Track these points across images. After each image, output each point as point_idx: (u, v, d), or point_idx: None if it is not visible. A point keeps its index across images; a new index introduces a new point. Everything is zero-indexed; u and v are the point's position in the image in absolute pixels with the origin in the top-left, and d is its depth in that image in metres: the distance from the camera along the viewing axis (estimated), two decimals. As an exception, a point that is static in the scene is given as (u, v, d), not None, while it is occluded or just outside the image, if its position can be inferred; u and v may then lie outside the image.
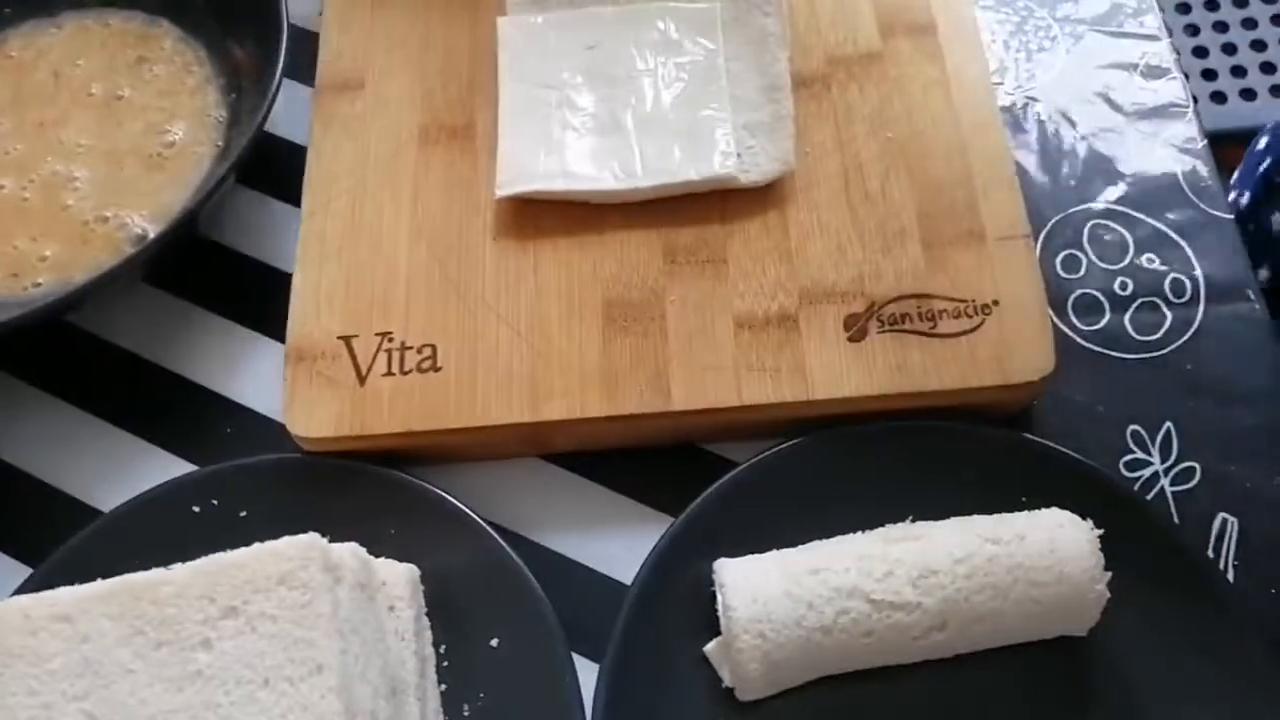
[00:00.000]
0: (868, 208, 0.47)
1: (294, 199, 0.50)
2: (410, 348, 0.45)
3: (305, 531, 0.38)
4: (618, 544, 0.44)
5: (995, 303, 0.44)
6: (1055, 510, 0.40)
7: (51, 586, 0.37)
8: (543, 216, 0.47)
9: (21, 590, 0.41)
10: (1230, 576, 0.43)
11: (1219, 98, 0.99)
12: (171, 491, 0.44)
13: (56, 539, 0.43)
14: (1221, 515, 0.44)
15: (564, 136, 0.48)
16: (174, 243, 0.46)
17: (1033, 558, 0.39)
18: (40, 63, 0.54)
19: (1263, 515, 0.44)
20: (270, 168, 0.52)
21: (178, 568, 0.36)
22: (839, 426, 0.44)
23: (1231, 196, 0.66)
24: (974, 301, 0.44)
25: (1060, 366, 0.45)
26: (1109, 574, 0.39)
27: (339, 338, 0.45)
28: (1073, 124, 0.53)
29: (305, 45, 0.53)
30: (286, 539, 0.36)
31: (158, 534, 0.43)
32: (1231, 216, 0.50)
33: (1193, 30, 1.02)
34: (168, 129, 0.52)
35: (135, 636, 0.35)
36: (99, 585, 0.36)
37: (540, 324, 0.45)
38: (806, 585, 0.38)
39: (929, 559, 0.39)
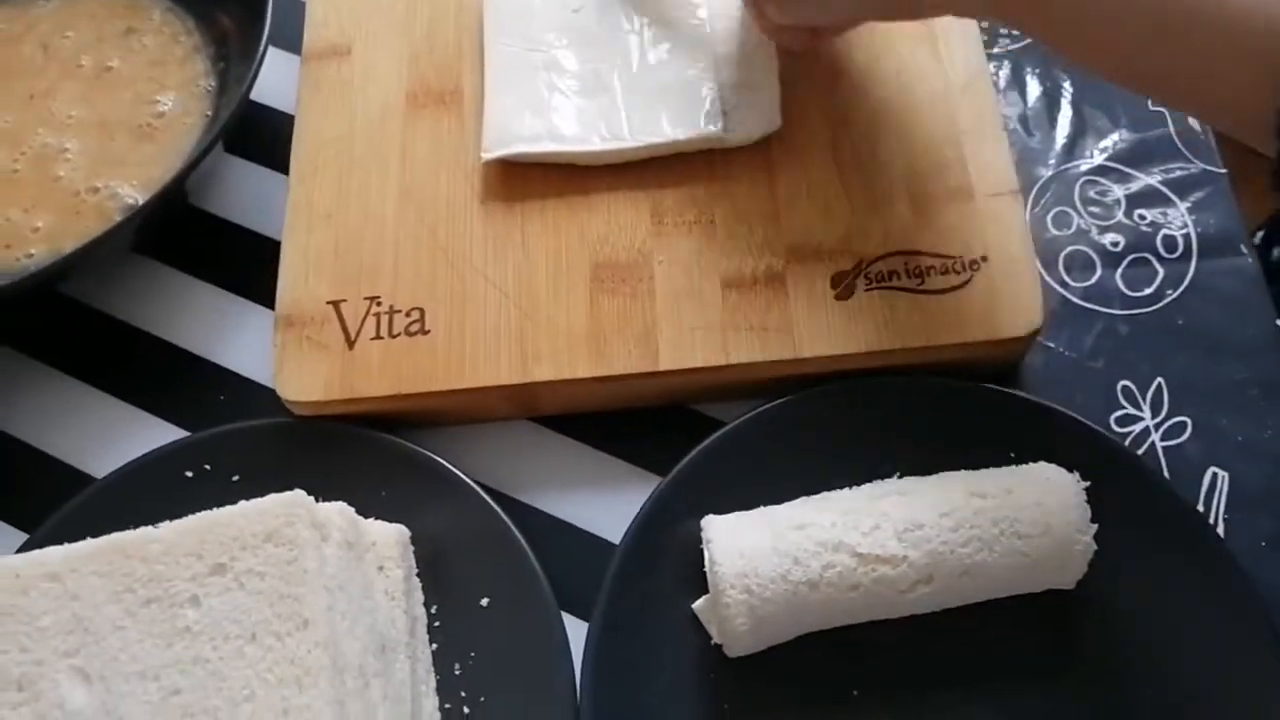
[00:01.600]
0: (855, 166, 0.46)
1: (283, 167, 0.50)
2: (399, 311, 0.45)
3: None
4: (607, 504, 0.44)
5: (984, 258, 0.44)
6: (1042, 464, 0.40)
7: (45, 551, 0.38)
8: (530, 179, 0.47)
9: (17, 556, 0.42)
10: (1221, 530, 0.43)
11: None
12: (164, 457, 0.44)
13: (51, 506, 0.43)
14: (1212, 469, 0.44)
15: (550, 98, 0.47)
16: (163, 211, 0.47)
17: (1019, 510, 0.39)
18: (29, 35, 0.54)
19: (1253, 468, 0.44)
20: (259, 136, 0.53)
21: (166, 526, 0.37)
22: (825, 384, 0.43)
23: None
24: (962, 258, 0.44)
25: (1052, 323, 0.45)
26: (1095, 526, 0.39)
27: (328, 302, 0.45)
28: (1064, 80, 0.52)
29: (292, 13, 0.53)
30: (273, 496, 0.36)
31: (151, 499, 0.43)
32: (1224, 171, 0.50)
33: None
34: (157, 99, 0.52)
35: (124, 594, 0.35)
36: (88, 544, 0.36)
37: (528, 286, 0.45)
38: (792, 540, 0.39)
39: (915, 513, 0.39)
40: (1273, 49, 0.32)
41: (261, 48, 0.48)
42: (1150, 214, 0.49)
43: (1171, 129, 0.51)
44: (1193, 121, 0.51)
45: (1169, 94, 0.38)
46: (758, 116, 0.47)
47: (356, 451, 0.44)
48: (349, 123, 0.49)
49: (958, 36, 0.49)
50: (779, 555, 0.38)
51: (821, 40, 0.48)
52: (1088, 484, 0.39)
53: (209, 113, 0.52)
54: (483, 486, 0.43)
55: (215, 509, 0.37)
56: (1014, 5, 0.37)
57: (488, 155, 0.46)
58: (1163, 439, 0.45)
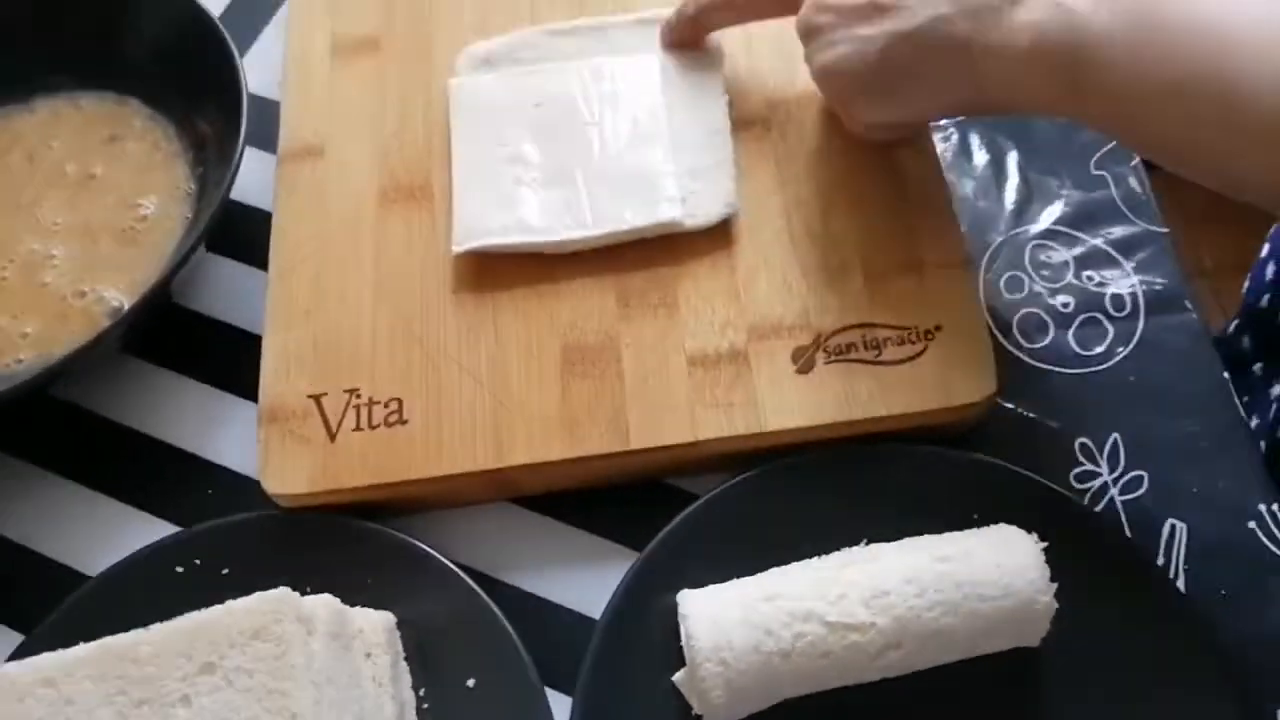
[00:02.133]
0: (809, 243, 0.48)
1: (262, 263, 0.52)
2: (377, 402, 0.46)
3: (285, 586, 0.40)
4: (586, 580, 0.45)
5: (937, 328, 0.46)
6: (1002, 526, 0.42)
7: (42, 651, 0.39)
8: (499, 269, 0.49)
9: (14, 657, 0.43)
10: (1181, 581, 0.44)
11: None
12: (155, 554, 0.46)
13: (47, 605, 0.45)
14: (1170, 521, 0.45)
15: (516, 191, 0.50)
16: (148, 313, 0.48)
17: (979, 572, 0.40)
18: (15, 146, 0.57)
19: (1210, 518, 0.45)
20: (239, 234, 0.54)
21: (156, 628, 0.38)
22: (793, 455, 0.45)
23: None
24: (916, 328, 0.46)
25: (1007, 385, 0.46)
26: (1055, 585, 0.40)
27: (309, 396, 0.47)
28: (1010, 148, 0.55)
29: (268, 113, 0.56)
30: (259, 594, 0.38)
31: (143, 596, 0.44)
32: (1166, 230, 0.52)
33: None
34: (140, 204, 0.54)
35: (117, 696, 0.37)
36: (81, 649, 0.38)
37: (501, 373, 0.47)
38: (764, 612, 0.40)
39: (881, 580, 0.40)
40: None
41: (238, 153, 0.50)
42: (1098, 275, 0.51)
43: (1114, 191, 0.53)
44: (1134, 183, 0.53)
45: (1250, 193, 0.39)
46: (715, 200, 0.49)
47: (341, 541, 0.45)
48: (324, 220, 0.51)
49: (903, 114, 0.51)
50: (751, 627, 0.40)
51: (905, 133, 0.50)
52: (1046, 544, 0.41)
53: (189, 215, 0.54)
54: (464, 569, 0.44)
55: (204, 609, 0.38)
56: (1095, 108, 0.40)
57: (458, 248, 0.48)
58: (1121, 493, 0.46)
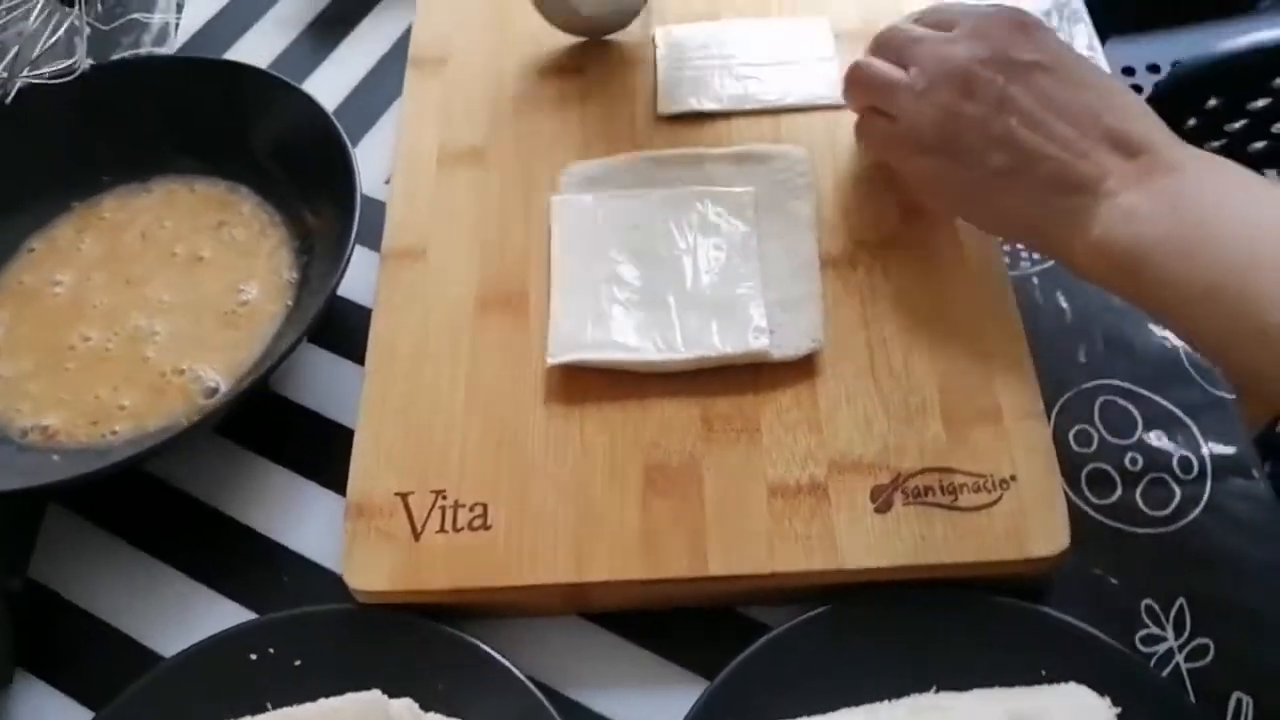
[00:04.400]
0: (891, 383, 0.50)
1: (354, 355, 0.54)
2: (463, 506, 0.48)
3: (356, 683, 0.40)
4: (653, 703, 0.45)
5: (1013, 478, 0.47)
6: (1075, 685, 0.42)
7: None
8: (590, 383, 0.50)
9: (84, 734, 0.43)
10: (1246, 754, 0.44)
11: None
12: (230, 639, 0.46)
13: (117, 682, 0.45)
14: (1237, 694, 0.46)
15: (610, 309, 0.51)
16: (245, 401, 0.50)
17: (1053, 733, 0.40)
18: (131, 224, 0.59)
19: (1277, 693, 0.45)
20: (335, 326, 0.56)
21: (246, 722, 0.39)
22: (866, 592, 0.46)
23: None
24: (992, 476, 0.47)
25: (1076, 540, 0.47)
26: (1127, 752, 0.40)
27: (396, 494, 0.48)
28: (1083, 303, 0.56)
29: (369, 210, 0.58)
30: (351, 696, 0.39)
31: (216, 680, 0.45)
32: (1233, 395, 0.53)
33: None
34: (242, 288, 0.57)
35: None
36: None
37: (585, 487, 0.48)
38: (836, 754, 0.40)
39: (954, 731, 0.40)
40: None
41: (349, 249, 0.53)
42: (1166, 435, 0.52)
43: (1183, 355, 0.55)
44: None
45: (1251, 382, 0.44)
46: (801, 333, 0.51)
47: (416, 642, 0.46)
48: (423, 321, 0.53)
49: (984, 261, 0.53)
50: (822, 768, 0.40)
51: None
52: (1119, 709, 0.41)
53: (289, 303, 0.56)
54: (535, 681, 0.45)
55: (295, 706, 0.39)
56: (1147, 302, 0.45)
57: (553, 360, 0.50)
58: (1186, 660, 0.46)
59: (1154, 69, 1.12)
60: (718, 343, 0.50)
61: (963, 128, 0.48)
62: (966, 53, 0.48)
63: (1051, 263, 0.58)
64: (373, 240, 0.57)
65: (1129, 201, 0.44)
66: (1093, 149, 0.46)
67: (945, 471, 0.48)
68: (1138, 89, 1.12)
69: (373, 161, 0.61)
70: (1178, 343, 0.55)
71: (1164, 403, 0.53)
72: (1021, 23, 0.49)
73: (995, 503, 0.47)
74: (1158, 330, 0.56)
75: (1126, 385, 0.54)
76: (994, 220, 0.51)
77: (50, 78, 0.60)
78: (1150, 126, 0.46)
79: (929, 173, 0.50)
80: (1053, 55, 0.48)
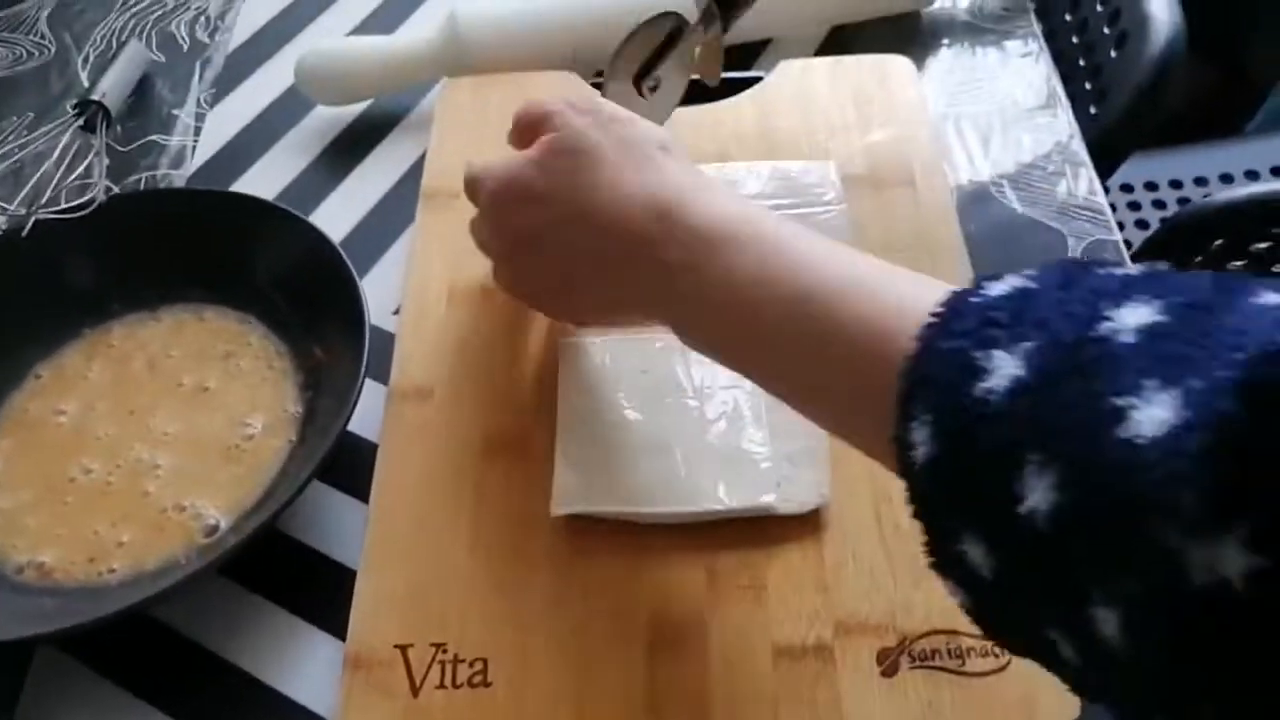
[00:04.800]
0: (897, 540, 0.50)
1: (359, 492, 0.54)
2: (463, 660, 0.47)
3: None
4: None
5: (1021, 642, 0.47)
6: None
7: None
8: (594, 533, 0.50)
9: None
10: None
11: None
12: (220, 794, 0.45)
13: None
14: None
15: (616, 458, 0.51)
16: (250, 545, 0.49)
17: None
18: (138, 353, 0.59)
19: None
20: (339, 461, 0.56)
21: None
22: (872, 761, 0.45)
23: None
24: (1000, 640, 0.47)
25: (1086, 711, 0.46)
26: None
27: (395, 646, 0.47)
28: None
29: (376, 341, 0.58)
30: None
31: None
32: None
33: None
34: (247, 422, 0.57)
35: None
36: None
37: (587, 643, 0.47)
38: None
39: None
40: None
41: (358, 386, 0.53)
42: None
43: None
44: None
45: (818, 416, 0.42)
46: (809, 489, 0.50)
47: (411, 804, 0.45)
48: (428, 463, 0.53)
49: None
50: None
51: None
52: None
53: (293, 438, 0.56)
54: (531, 847, 0.44)
55: None
56: (674, 316, 0.44)
57: (557, 511, 0.50)
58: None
59: (1151, 187, 1.16)
60: (724, 497, 0.50)
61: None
62: None
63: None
64: (378, 372, 0.57)
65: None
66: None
67: (952, 634, 0.47)
68: (1135, 206, 1.15)
69: (382, 292, 0.62)
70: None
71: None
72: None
73: (1004, 668, 0.46)
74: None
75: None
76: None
77: (67, 210, 0.60)
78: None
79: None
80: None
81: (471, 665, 0.47)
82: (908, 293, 0.37)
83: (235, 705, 0.50)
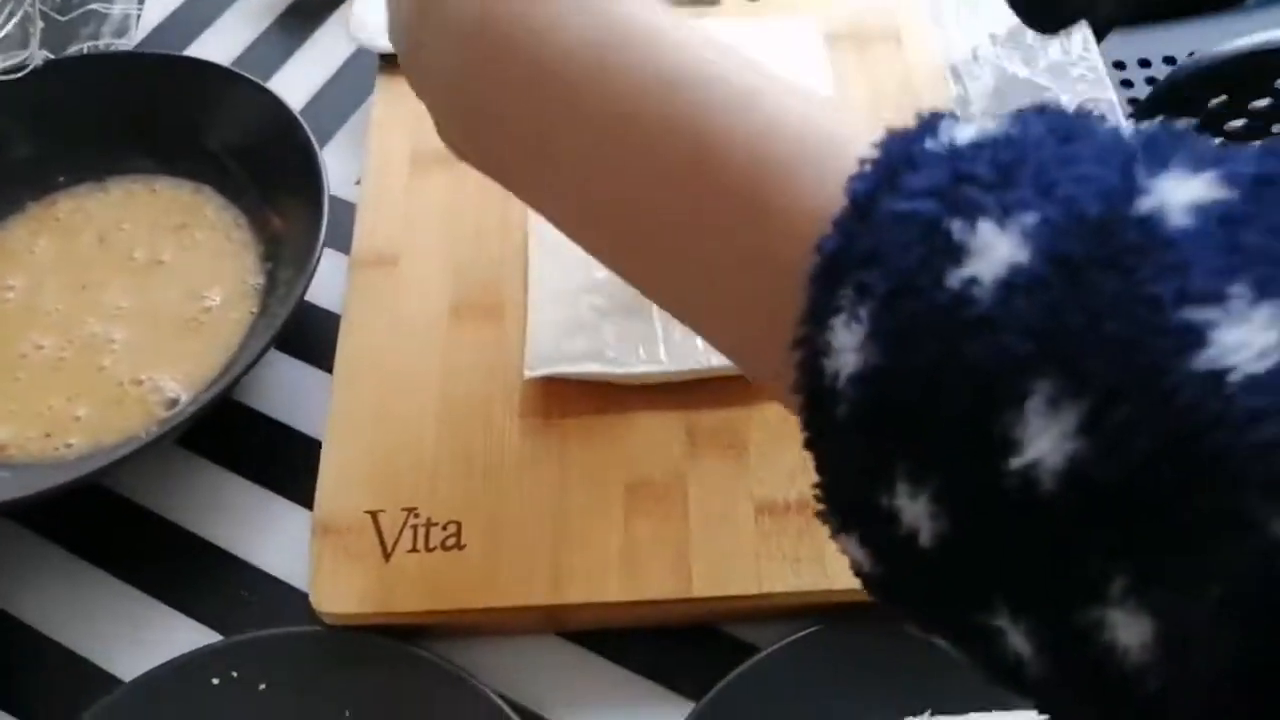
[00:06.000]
0: (881, 396, 0.48)
1: (322, 363, 0.52)
2: (435, 524, 0.46)
3: (324, 708, 0.38)
4: (636, 727, 0.44)
5: (1005, 494, 0.46)
6: (1070, 710, 0.41)
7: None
8: (569, 396, 0.49)
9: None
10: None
11: None
12: (191, 661, 0.44)
13: (74, 705, 0.43)
14: None
15: (590, 319, 0.50)
16: (208, 413, 0.48)
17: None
18: (87, 226, 0.57)
19: None
20: (303, 333, 0.54)
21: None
22: (858, 612, 0.44)
23: None
24: (985, 492, 0.46)
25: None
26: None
27: (365, 512, 0.46)
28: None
29: (338, 213, 0.56)
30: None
31: (176, 706, 0.43)
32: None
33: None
34: (205, 295, 0.54)
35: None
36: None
37: (563, 504, 0.46)
38: (826, 784, 0.39)
39: (947, 760, 0.39)
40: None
41: (316, 254, 0.50)
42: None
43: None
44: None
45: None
46: (789, 345, 0.49)
47: (386, 664, 0.44)
48: (394, 331, 0.51)
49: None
50: (812, 799, 0.38)
51: None
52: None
53: (254, 310, 0.54)
54: (510, 703, 0.43)
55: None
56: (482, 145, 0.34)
57: (530, 373, 0.48)
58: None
59: (1145, 64, 1.12)
60: (704, 355, 0.48)
61: None
62: None
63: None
64: (342, 243, 0.55)
65: None
66: None
67: (936, 487, 0.46)
68: (1128, 84, 1.12)
69: (343, 162, 0.59)
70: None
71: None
72: None
73: (987, 519, 0.45)
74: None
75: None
76: None
77: (1, 74, 0.57)
78: None
79: None
80: None
81: (445, 529, 0.46)
82: (829, 126, 0.26)
83: (203, 576, 0.48)
